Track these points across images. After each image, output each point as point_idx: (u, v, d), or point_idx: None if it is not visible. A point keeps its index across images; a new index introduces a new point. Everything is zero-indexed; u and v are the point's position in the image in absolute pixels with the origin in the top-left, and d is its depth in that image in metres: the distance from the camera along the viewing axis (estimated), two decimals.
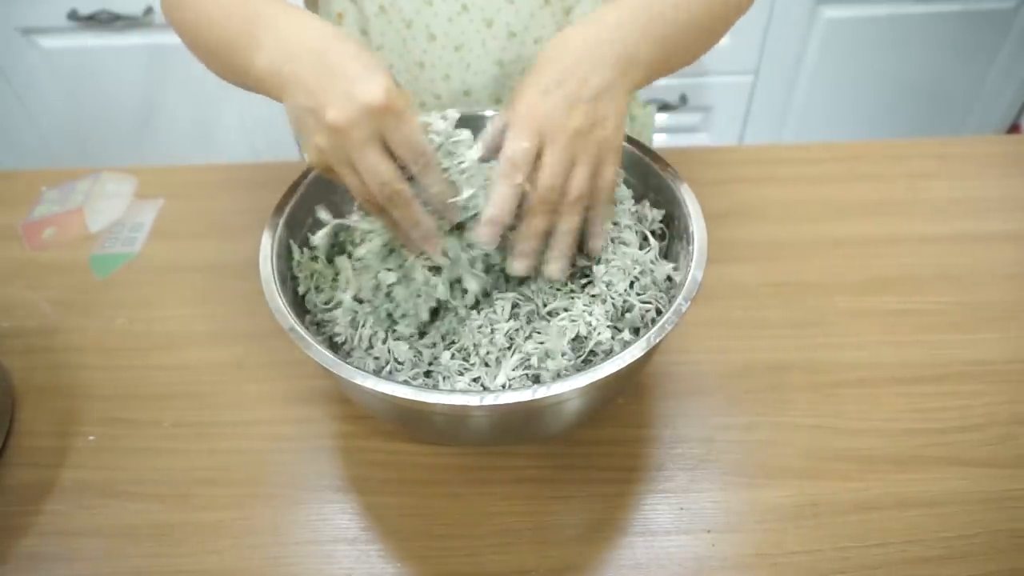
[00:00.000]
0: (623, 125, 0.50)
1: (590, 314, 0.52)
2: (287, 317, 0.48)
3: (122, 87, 1.44)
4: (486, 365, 0.52)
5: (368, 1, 0.70)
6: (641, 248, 0.56)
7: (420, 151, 0.47)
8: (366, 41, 0.73)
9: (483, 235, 0.48)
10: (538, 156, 0.48)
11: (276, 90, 0.49)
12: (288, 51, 0.48)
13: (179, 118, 1.49)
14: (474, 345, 0.52)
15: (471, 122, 0.63)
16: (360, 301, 0.55)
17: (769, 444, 0.57)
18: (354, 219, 0.56)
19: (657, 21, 0.51)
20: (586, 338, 0.51)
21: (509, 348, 0.52)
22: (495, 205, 0.48)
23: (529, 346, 0.51)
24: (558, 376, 0.50)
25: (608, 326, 0.52)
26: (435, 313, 0.55)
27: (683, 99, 1.51)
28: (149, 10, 1.32)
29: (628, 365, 0.43)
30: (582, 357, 0.51)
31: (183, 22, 0.57)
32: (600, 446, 0.58)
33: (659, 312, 0.53)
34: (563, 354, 0.50)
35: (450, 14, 0.70)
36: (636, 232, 0.57)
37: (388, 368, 0.53)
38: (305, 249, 0.57)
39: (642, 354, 0.44)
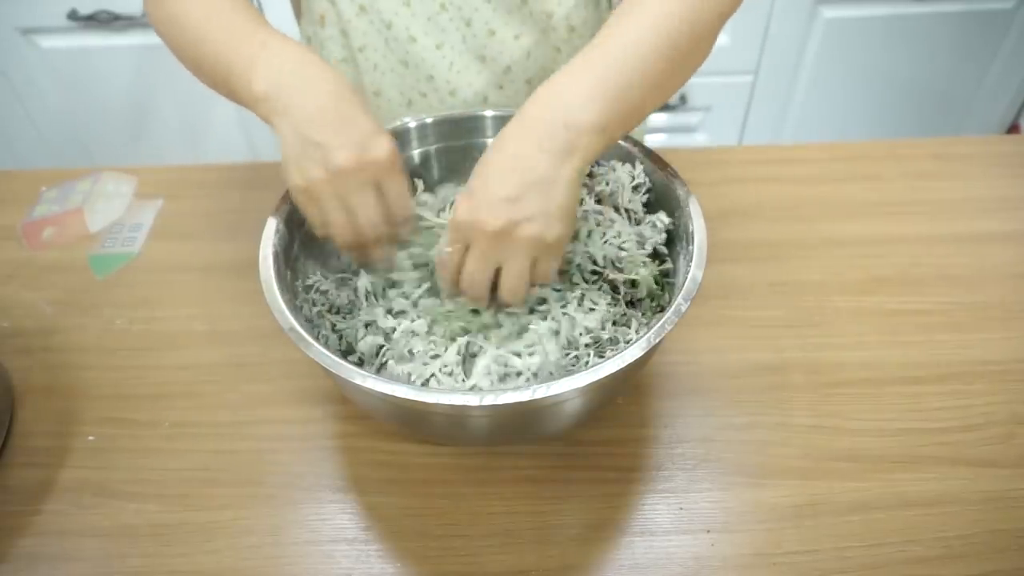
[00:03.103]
0: (562, 216, 0.48)
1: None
2: (287, 317, 0.48)
3: (122, 87, 1.44)
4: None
5: (347, 3, 0.70)
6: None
7: (405, 204, 0.53)
8: (348, 44, 0.73)
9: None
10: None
11: (272, 113, 0.51)
12: (291, 79, 0.50)
13: (179, 118, 1.49)
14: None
15: (470, 122, 0.64)
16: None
17: (769, 444, 0.57)
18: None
19: (612, 79, 0.47)
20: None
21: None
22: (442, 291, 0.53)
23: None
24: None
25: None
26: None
27: (683, 99, 1.51)
28: None
29: (627, 365, 0.43)
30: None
31: (167, 33, 0.58)
32: (600, 446, 0.58)
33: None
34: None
35: (429, 14, 0.70)
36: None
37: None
38: None
39: (641, 354, 0.44)
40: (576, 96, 0.47)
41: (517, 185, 0.46)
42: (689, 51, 0.51)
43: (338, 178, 0.49)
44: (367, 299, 0.58)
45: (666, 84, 0.51)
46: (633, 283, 0.56)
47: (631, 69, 0.48)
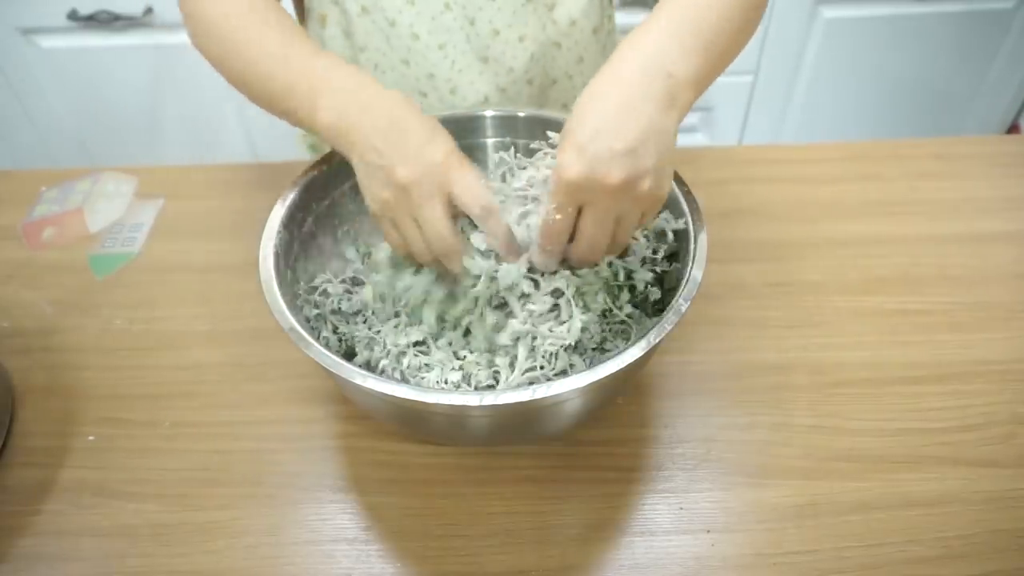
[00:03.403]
0: (671, 168, 0.47)
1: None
2: (287, 317, 0.48)
3: (122, 87, 1.44)
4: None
5: (351, 2, 0.70)
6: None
7: (483, 196, 0.49)
8: (349, 44, 0.73)
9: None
10: (579, 214, 0.47)
11: (343, 147, 0.51)
12: (354, 110, 0.50)
13: (179, 118, 1.49)
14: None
15: (470, 122, 0.64)
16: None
17: (769, 444, 0.57)
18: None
19: (698, 30, 0.47)
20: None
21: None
22: (538, 264, 0.50)
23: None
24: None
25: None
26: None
27: None
28: (149, 10, 1.32)
29: (627, 365, 0.43)
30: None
31: (217, 57, 0.57)
32: (600, 446, 0.58)
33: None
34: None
35: (433, 13, 0.70)
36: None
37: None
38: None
39: (641, 354, 0.44)
40: (671, 49, 0.46)
41: (633, 136, 0.44)
42: (756, 3, 0.51)
43: (404, 194, 0.48)
44: (372, 313, 0.58)
45: (740, 39, 0.51)
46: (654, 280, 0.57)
47: (712, 24, 0.47)
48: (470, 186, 0.49)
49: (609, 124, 0.44)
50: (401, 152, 0.48)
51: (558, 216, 0.46)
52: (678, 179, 0.56)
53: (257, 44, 0.54)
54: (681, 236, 0.54)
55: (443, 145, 0.49)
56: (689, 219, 0.53)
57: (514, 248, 0.51)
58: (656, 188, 0.46)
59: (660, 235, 0.57)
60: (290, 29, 0.55)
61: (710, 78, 0.49)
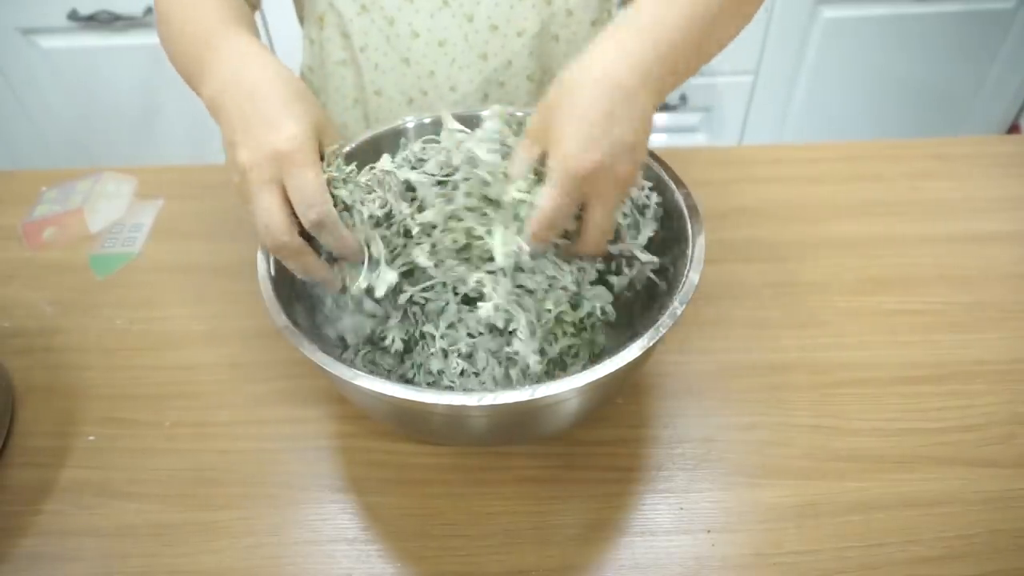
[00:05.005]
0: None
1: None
2: (281, 315, 0.48)
3: (122, 87, 1.44)
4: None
5: (348, 2, 0.70)
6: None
7: (312, 203, 0.45)
8: (347, 44, 0.73)
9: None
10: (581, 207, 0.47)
11: (214, 118, 0.50)
12: (225, 83, 0.49)
13: (179, 118, 1.49)
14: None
15: (469, 122, 0.64)
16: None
17: (769, 444, 0.57)
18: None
19: (681, 30, 0.47)
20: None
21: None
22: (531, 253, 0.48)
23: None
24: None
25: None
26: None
27: (683, 99, 1.51)
28: (149, 10, 1.32)
29: (624, 365, 0.43)
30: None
31: (162, 38, 0.60)
32: (600, 446, 0.58)
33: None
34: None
35: (431, 10, 0.70)
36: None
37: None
38: None
39: (639, 354, 0.44)
40: (660, 56, 0.46)
41: (637, 126, 0.45)
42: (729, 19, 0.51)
43: (244, 179, 0.46)
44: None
45: (717, 41, 0.52)
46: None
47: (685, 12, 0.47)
48: (304, 187, 0.44)
49: (617, 112, 0.43)
50: (247, 133, 0.45)
51: (567, 201, 0.45)
52: (677, 180, 0.56)
53: (180, 21, 0.55)
54: (679, 238, 0.54)
55: (289, 130, 0.44)
56: (687, 222, 0.53)
57: (353, 258, 0.49)
58: (637, 169, 0.47)
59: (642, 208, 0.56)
60: (233, 12, 0.55)
61: (686, 75, 0.49)
